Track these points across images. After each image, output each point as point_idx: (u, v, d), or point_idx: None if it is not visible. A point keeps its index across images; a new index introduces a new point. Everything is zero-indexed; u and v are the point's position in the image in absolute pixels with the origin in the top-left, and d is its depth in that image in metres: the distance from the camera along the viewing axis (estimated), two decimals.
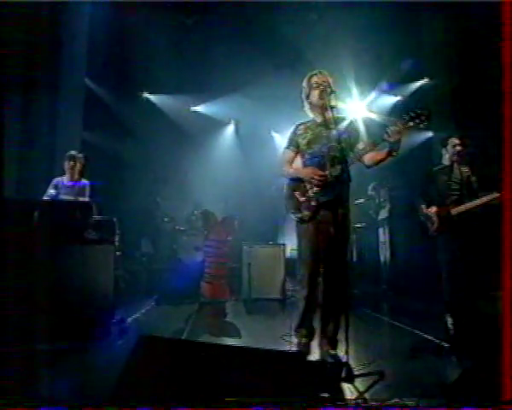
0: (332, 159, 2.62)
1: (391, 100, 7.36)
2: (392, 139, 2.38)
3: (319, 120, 2.77)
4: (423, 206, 3.92)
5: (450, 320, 3.45)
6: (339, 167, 2.56)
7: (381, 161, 2.55)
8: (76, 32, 5.41)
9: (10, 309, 3.10)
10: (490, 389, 1.97)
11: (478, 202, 3.61)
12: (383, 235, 5.63)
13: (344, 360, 2.35)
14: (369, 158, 2.59)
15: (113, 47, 6.13)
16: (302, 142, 2.77)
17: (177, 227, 6.42)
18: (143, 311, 4.47)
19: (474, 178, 3.87)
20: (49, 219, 3.29)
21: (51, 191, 4.28)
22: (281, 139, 9.28)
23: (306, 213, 2.65)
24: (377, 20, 6.30)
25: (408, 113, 2.37)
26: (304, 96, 2.81)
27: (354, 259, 6.31)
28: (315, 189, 2.63)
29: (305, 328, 2.73)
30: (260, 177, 8.07)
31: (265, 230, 7.17)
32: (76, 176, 4.39)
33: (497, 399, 1.89)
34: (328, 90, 2.58)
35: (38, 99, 4.91)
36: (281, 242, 6.18)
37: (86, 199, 4.36)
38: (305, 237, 2.69)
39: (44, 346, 2.97)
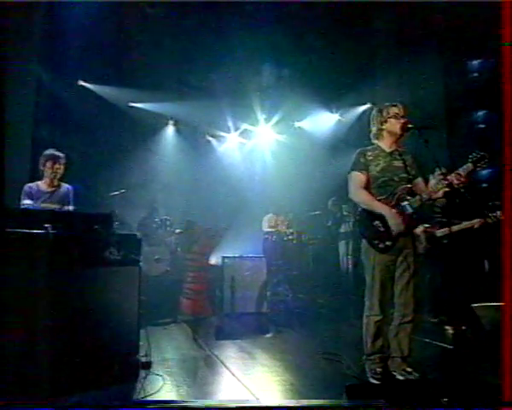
0: (408, 190, 2.78)
1: (333, 118, 7.89)
2: (463, 180, 2.66)
3: (388, 149, 2.88)
4: None
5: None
6: (418, 198, 2.72)
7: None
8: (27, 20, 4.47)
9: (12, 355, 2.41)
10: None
11: (462, 226, 4.22)
12: (345, 247, 6.02)
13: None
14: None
15: (67, 33, 5.24)
16: (375, 168, 2.82)
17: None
18: None
19: (445, 207, 4.49)
20: (65, 236, 2.66)
21: (27, 202, 3.45)
22: (216, 144, 9.14)
23: (388, 243, 2.72)
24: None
25: (474, 156, 2.66)
26: (377, 123, 2.88)
27: (310, 269, 6.63)
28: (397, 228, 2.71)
29: (378, 355, 2.76)
30: (205, 178, 7.91)
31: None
32: (56, 181, 3.64)
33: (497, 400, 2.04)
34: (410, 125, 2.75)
35: None
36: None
37: (71, 208, 3.66)
38: (381, 264, 2.75)
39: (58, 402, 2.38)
